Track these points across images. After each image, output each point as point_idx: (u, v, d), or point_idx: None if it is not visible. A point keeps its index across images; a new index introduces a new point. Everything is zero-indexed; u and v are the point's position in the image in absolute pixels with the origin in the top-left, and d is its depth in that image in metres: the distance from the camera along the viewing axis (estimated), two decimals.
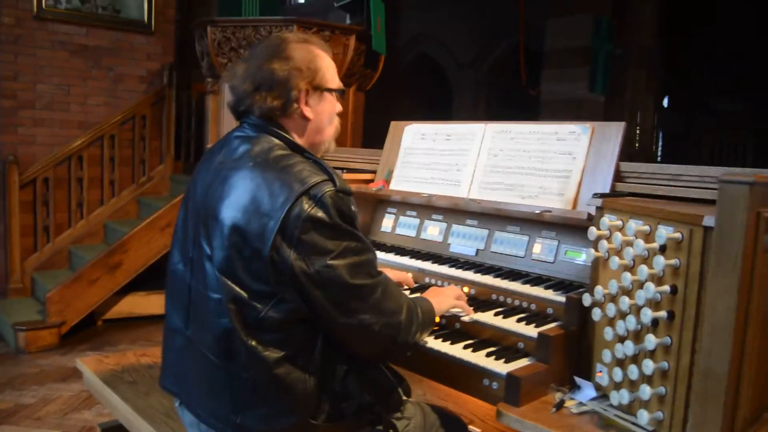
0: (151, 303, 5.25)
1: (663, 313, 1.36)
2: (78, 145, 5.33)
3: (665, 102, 12.88)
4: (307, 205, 1.37)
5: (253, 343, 1.40)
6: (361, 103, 5.25)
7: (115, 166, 5.57)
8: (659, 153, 12.15)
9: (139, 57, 5.71)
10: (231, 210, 1.44)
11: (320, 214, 1.38)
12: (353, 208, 1.45)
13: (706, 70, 11.26)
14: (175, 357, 1.64)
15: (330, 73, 1.64)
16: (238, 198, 1.44)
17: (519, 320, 1.78)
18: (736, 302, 1.13)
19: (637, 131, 10.02)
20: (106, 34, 5.52)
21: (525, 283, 1.90)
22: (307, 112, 1.59)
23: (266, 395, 1.43)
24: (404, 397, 1.63)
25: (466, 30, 11.53)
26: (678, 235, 1.34)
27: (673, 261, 1.34)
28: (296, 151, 1.53)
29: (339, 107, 1.70)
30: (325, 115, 1.64)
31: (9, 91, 5.14)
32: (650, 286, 1.35)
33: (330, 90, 1.64)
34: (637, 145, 9.98)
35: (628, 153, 9.76)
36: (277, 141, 1.53)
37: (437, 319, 1.91)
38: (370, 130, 5.43)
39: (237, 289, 1.41)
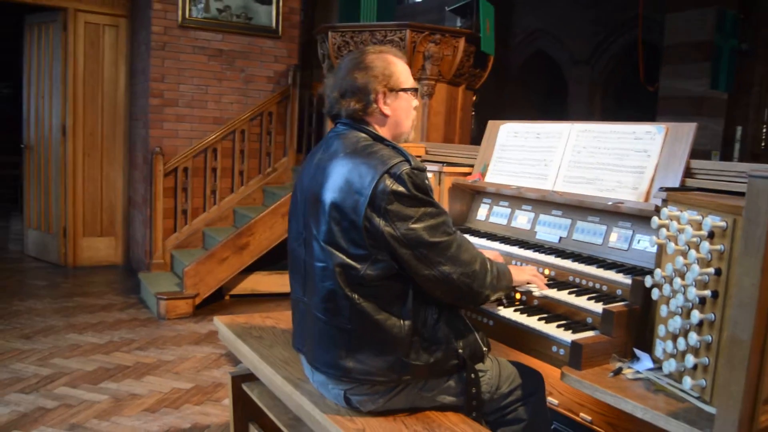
0: (272, 281, 5.81)
1: (708, 292, 1.56)
2: (213, 139, 5.95)
3: None
4: (389, 182, 1.69)
5: (356, 296, 1.73)
6: (469, 101, 5.50)
7: (244, 158, 6.16)
8: None
9: (268, 59, 6.27)
10: (330, 192, 1.77)
11: (400, 188, 1.69)
12: (426, 181, 1.74)
13: None
14: (299, 321, 2.00)
15: (404, 75, 1.93)
16: (334, 181, 1.78)
17: (589, 298, 2.01)
18: (760, 279, 1.32)
19: (765, 130, 9.53)
20: (239, 39, 6.12)
21: (599, 267, 2.12)
22: (385, 109, 1.89)
23: (369, 339, 1.76)
24: (484, 348, 1.91)
25: (582, 25, 11.40)
26: (723, 223, 1.53)
27: (718, 246, 1.53)
28: (378, 140, 1.84)
29: (415, 102, 1.98)
30: (401, 111, 1.93)
31: (157, 91, 5.84)
32: (696, 267, 1.55)
33: (404, 90, 1.93)
34: (763, 144, 9.50)
35: (752, 152, 9.35)
36: (362, 135, 1.85)
37: (518, 295, 2.18)
38: (485, 126, 5.67)
39: (340, 255, 1.74)
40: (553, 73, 12.33)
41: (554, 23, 11.81)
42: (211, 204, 6.10)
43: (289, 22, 6.31)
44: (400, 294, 1.77)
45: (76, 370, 3.92)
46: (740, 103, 9.21)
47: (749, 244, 1.34)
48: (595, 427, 2.27)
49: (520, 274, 2.05)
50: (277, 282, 5.82)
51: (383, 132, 1.92)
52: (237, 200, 6.18)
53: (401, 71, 1.93)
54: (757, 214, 1.33)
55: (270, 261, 5.85)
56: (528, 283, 2.08)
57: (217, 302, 5.55)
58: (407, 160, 1.73)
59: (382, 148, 1.79)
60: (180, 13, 5.79)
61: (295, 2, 6.35)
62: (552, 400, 2.43)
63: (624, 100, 11.54)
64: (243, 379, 2.61)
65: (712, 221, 1.54)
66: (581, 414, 2.34)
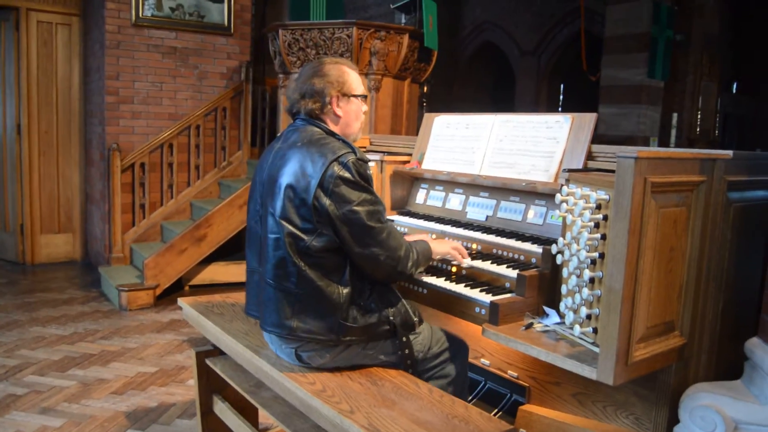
0: (230, 272, 6.01)
1: (596, 254, 1.87)
2: (169, 135, 6.10)
3: (734, 87, 12.72)
4: (337, 168, 1.98)
5: (303, 264, 2.01)
6: (415, 94, 5.79)
7: (200, 153, 6.32)
8: (724, 137, 12.05)
9: (220, 56, 6.45)
10: (287, 175, 2.06)
11: (346, 174, 1.99)
12: (368, 171, 2.05)
13: None
14: (253, 290, 2.27)
15: (355, 83, 2.23)
16: (291, 166, 2.06)
17: (508, 266, 2.31)
18: (627, 240, 1.63)
19: (698, 116, 10.06)
20: (192, 36, 6.27)
21: (517, 240, 2.43)
22: (338, 111, 2.20)
23: (311, 303, 2.04)
24: (415, 318, 2.20)
25: (528, 17, 11.80)
26: (606, 196, 1.84)
27: (600, 216, 1.85)
28: (330, 135, 2.14)
29: (364, 107, 2.28)
30: (351, 113, 2.23)
31: (112, 89, 5.96)
32: (585, 234, 1.86)
33: (355, 96, 2.23)
34: (698, 129, 10.04)
35: (688, 137, 9.87)
36: (317, 129, 2.15)
37: (454, 269, 2.47)
38: None
39: (291, 227, 2.02)
40: (501, 64, 12.72)
41: (501, 15, 12.17)
42: (168, 198, 6.25)
43: (241, 20, 6.49)
44: (339, 265, 2.06)
45: (43, 359, 4.08)
46: (676, 91, 9.71)
47: (619, 211, 1.66)
48: (520, 381, 2.57)
49: (439, 246, 2.36)
50: (236, 272, 6.02)
51: (335, 129, 2.20)
52: (194, 194, 6.34)
53: (353, 80, 2.23)
54: (623, 186, 1.64)
55: (228, 252, 6.05)
56: (447, 254, 2.38)
57: (177, 292, 5.73)
58: (353, 152, 2.04)
59: (333, 141, 2.09)
60: (133, 12, 5.91)
61: (246, 0, 6.53)
62: (484, 360, 2.74)
63: (569, 90, 12.01)
64: (206, 354, 2.84)
65: (597, 195, 1.86)
66: (509, 371, 2.64)
